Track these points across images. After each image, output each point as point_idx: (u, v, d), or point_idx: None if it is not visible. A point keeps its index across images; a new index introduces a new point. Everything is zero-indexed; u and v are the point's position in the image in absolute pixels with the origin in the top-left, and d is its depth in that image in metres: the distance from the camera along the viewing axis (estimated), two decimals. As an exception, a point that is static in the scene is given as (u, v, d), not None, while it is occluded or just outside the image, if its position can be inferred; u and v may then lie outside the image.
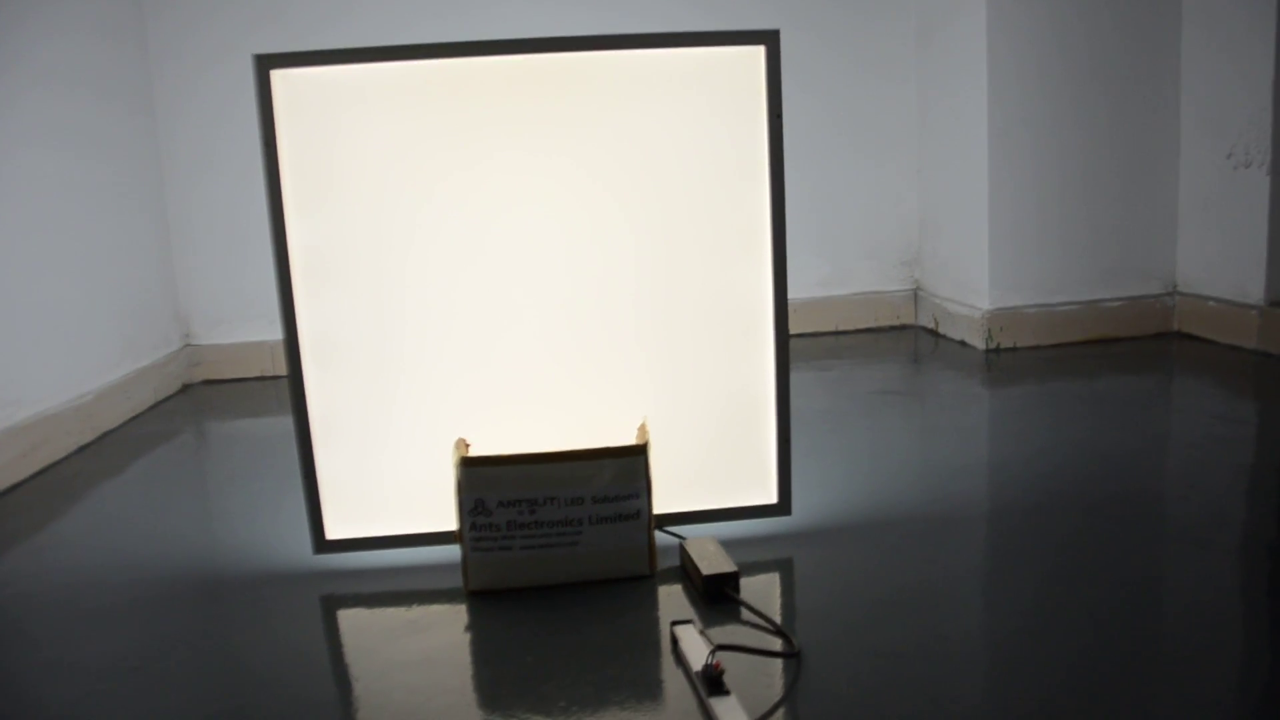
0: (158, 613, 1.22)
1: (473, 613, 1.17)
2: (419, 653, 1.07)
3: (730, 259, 1.29)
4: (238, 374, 2.55)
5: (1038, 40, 2.39)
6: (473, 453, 1.22)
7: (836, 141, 2.69)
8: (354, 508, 1.28)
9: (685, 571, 1.24)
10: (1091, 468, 1.56)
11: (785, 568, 1.26)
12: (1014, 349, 2.47)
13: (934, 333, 2.70)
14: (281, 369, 2.49)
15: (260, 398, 2.39)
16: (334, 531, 1.28)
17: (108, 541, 1.47)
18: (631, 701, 0.96)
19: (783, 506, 1.36)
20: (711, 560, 1.20)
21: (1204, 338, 2.44)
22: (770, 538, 1.33)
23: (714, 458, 1.33)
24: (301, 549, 1.33)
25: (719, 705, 0.92)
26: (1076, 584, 1.16)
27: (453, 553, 1.27)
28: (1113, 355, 2.38)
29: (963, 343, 2.55)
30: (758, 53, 1.23)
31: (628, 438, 1.30)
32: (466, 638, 1.11)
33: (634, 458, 1.21)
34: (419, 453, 1.27)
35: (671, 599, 1.18)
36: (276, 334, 2.50)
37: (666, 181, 1.26)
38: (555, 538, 1.20)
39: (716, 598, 1.16)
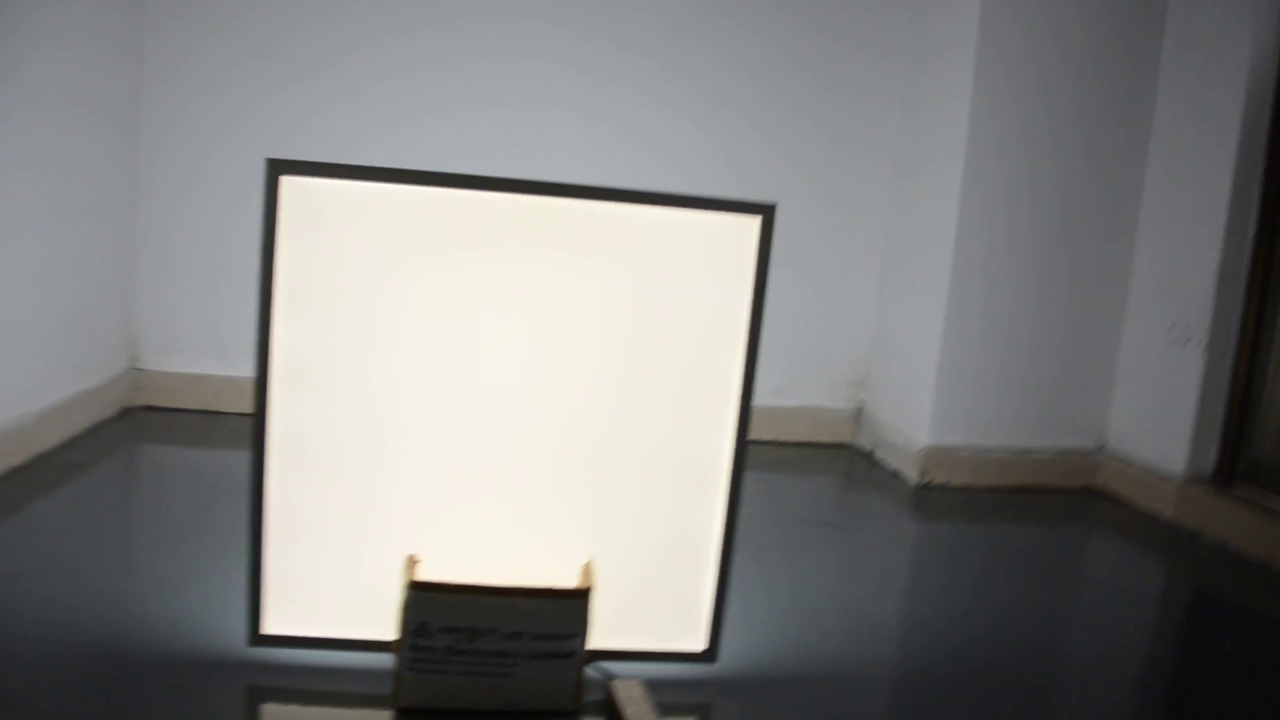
0: (59, 703, 1.19)
1: (399, 731, 1.18)
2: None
3: (695, 414, 1.33)
4: (181, 404, 2.52)
5: (1010, 195, 2.50)
6: (421, 573, 1.24)
7: (803, 255, 2.76)
8: (295, 607, 1.28)
9: (609, 711, 1.26)
10: (1006, 643, 1.62)
11: (704, 715, 1.30)
12: (945, 487, 2.54)
13: (870, 456, 2.77)
14: (226, 405, 2.48)
15: (201, 430, 2.37)
16: (271, 627, 1.28)
17: (11, 603, 1.41)
18: None
19: (710, 654, 1.39)
20: (638, 708, 1.23)
21: (1124, 499, 2.55)
22: (692, 683, 1.36)
23: (650, 600, 1.37)
24: (231, 632, 1.33)
25: None
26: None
27: (384, 661, 1.28)
28: (1039, 506, 2.47)
29: (896, 473, 2.62)
30: (753, 223, 1.29)
31: (572, 574, 1.33)
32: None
33: (577, 601, 1.24)
34: (368, 560, 1.29)
35: (596, 744, 1.20)
36: (228, 369, 2.49)
37: (645, 333, 1.30)
38: (490, 667, 1.22)
39: (639, 750, 1.19)
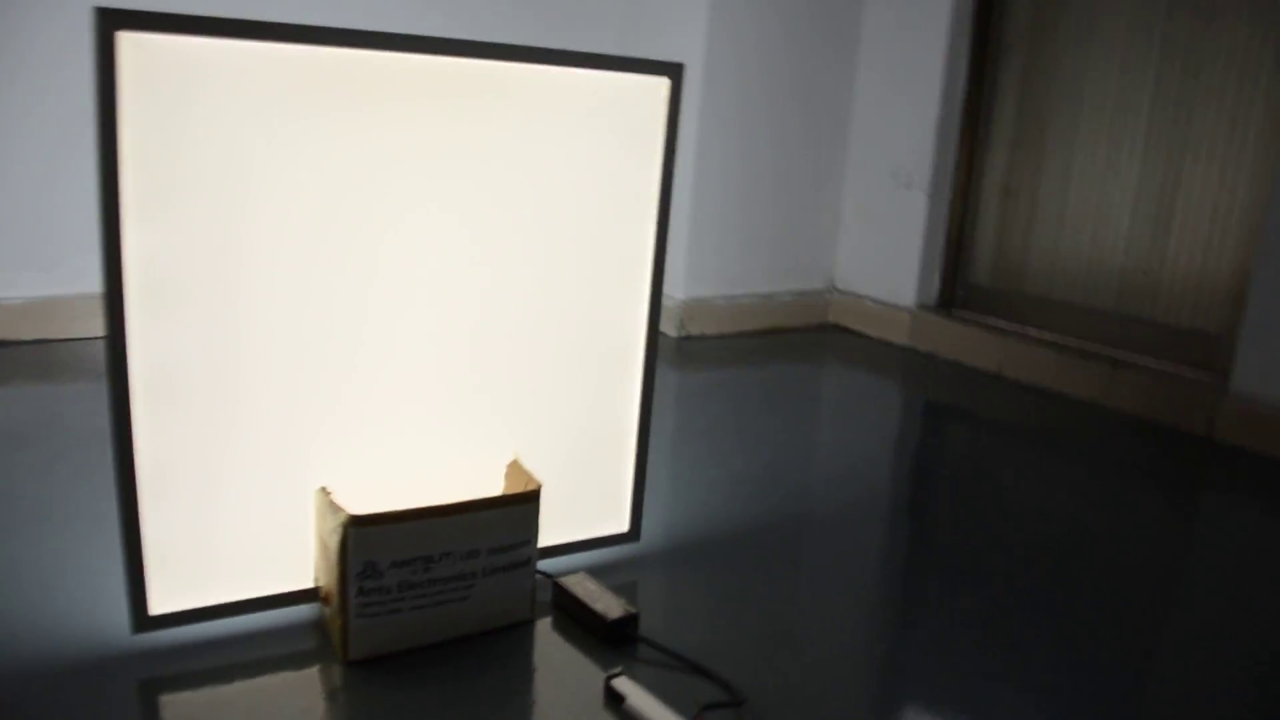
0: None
1: (353, 687, 1.03)
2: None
3: (610, 294, 1.24)
4: (37, 334, 1.94)
5: (744, 60, 2.56)
6: (350, 507, 1.06)
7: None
8: (186, 574, 1.05)
9: (566, 612, 1.19)
10: (773, 461, 1.75)
11: (630, 591, 1.27)
12: (703, 337, 2.65)
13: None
14: (91, 330, 1.97)
15: (60, 365, 1.86)
16: (160, 605, 1.04)
17: None
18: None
19: (633, 534, 1.35)
20: (605, 602, 1.17)
21: (860, 331, 2.81)
22: (618, 564, 1.32)
23: (575, 490, 1.29)
24: (109, 621, 1.07)
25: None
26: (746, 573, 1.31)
27: (303, 614, 1.10)
28: (786, 344, 2.66)
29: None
30: (662, 84, 1.19)
31: (498, 475, 1.21)
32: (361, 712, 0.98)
33: (530, 504, 1.14)
34: (267, 504, 1.08)
35: (573, 643, 1.13)
36: (87, 286, 1.97)
37: (560, 205, 1.18)
38: (448, 594, 1.10)
39: (619, 641, 1.14)
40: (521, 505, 1.13)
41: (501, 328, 1.18)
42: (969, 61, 2.55)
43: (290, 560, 1.11)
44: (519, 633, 1.15)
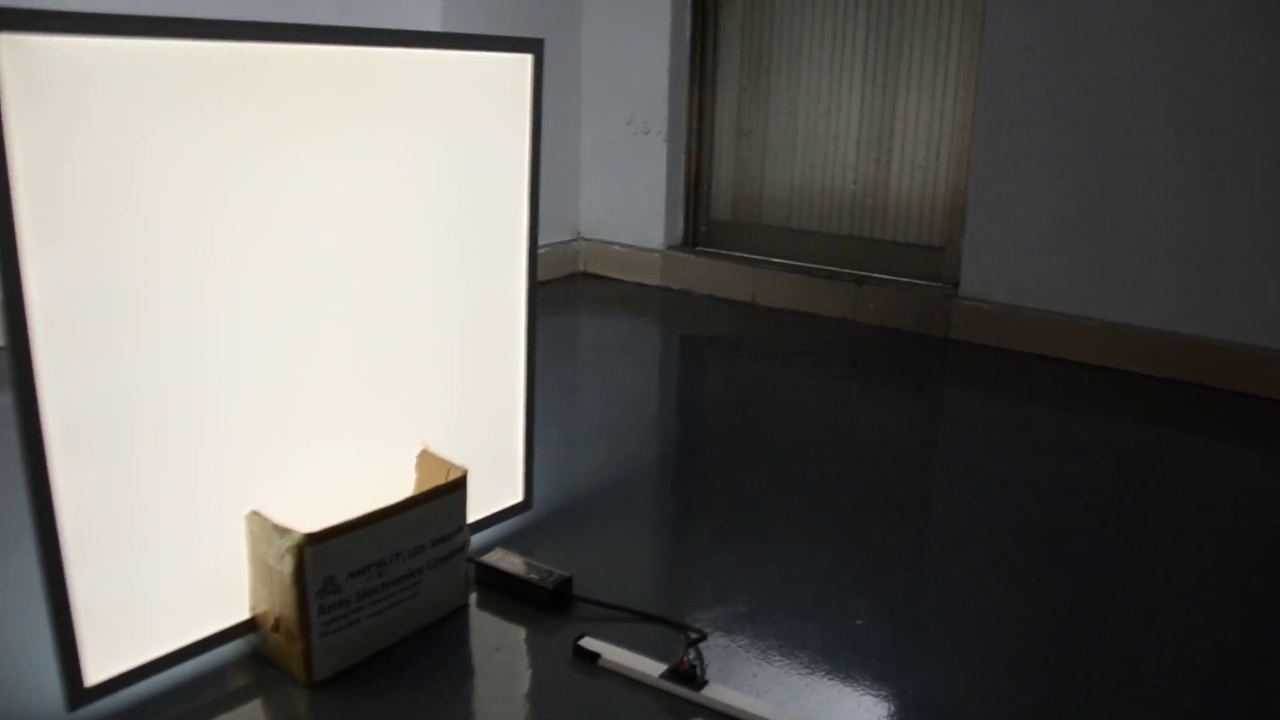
0: None
1: (324, 709, 1.00)
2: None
3: (492, 267, 1.25)
4: None
5: (476, 21, 2.54)
6: (278, 523, 1.01)
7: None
8: (119, 633, 0.95)
9: (494, 589, 1.21)
10: (569, 403, 1.87)
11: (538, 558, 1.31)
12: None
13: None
14: None
15: None
16: (97, 673, 0.94)
17: None
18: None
19: (527, 503, 1.39)
20: (536, 572, 1.20)
21: (611, 276, 2.93)
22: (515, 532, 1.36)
23: (476, 467, 1.29)
24: (37, 701, 0.95)
25: (720, 694, 1.00)
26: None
27: (234, 650, 1.05)
28: (547, 296, 2.73)
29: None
30: (525, 60, 1.20)
31: (406, 468, 1.20)
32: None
33: (460, 490, 1.14)
34: (192, 540, 1.00)
35: (512, 618, 1.16)
36: None
37: (440, 187, 1.16)
38: (400, 594, 1.08)
39: (561, 605, 1.18)
40: (454, 493, 1.13)
41: (398, 320, 1.16)
42: (692, 8, 2.70)
43: (220, 595, 1.03)
44: (458, 619, 1.16)
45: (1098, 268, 2.13)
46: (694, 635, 1.12)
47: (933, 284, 2.42)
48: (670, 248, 2.82)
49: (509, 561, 1.23)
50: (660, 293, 2.78)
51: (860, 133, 2.53)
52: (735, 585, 1.24)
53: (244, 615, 1.05)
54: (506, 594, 1.21)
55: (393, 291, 1.14)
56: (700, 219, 2.85)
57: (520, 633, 1.14)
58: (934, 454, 1.75)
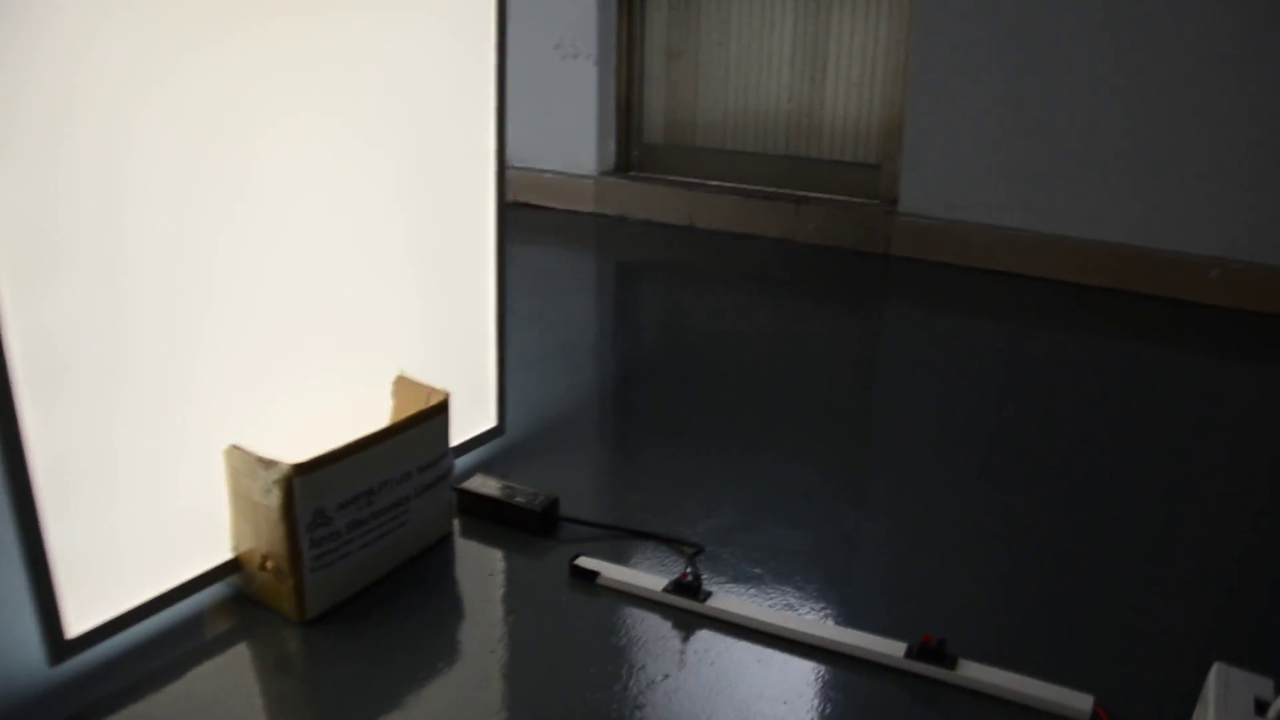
0: None
1: (319, 646, 0.97)
2: None
3: (462, 188, 1.20)
4: None
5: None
6: (263, 455, 0.97)
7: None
8: (98, 582, 0.90)
9: (477, 515, 1.19)
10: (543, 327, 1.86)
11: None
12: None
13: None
14: None
15: None
16: (78, 624, 0.89)
17: None
18: (623, 631, 0.97)
19: (500, 428, 1.36)
20: (520, 493, 1.18)
21: (546, 205, 2.87)
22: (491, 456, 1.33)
23: (453, 393, 1.26)
24: (18, 657, 0.89)
25: (726, 603, 1.00)
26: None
27: (216, 593, 1.00)
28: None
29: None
30: (488, -36, 1.14)
31: (383, 394, 1.16)
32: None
33: (443, 414, 1.11)
34: (169, 480, 0.95)
35: (499, 543, 1.14)
36: None
37: (410, 110, 1.11)
38: (390, 524, 1.05)
39: (549, 527, 1.17)
40: (438, 418, 1.10)
41: (369, 247, 1.11)
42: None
43: (202, 535, 0.99)
44: (445, 547, 1.14)
45: (1034, 181, 2.17)
46: (691, 549, 1.12)
47: (871, 201, 2.44)
48: (603, 173, 2.77)
49: (490, 486, 1.20)
50: (595, 219, 2.74)
51: (794, 51, 2.51)
52: (720, 499, 1.24)
53: (226, 556, 1.01)
54: (491, 519, 1.18)
55: (364, 218, 1.09)
56: (633, 143, 2.81)
57: (511, 557, 1.12)
58: (889, 366, 1.78)
